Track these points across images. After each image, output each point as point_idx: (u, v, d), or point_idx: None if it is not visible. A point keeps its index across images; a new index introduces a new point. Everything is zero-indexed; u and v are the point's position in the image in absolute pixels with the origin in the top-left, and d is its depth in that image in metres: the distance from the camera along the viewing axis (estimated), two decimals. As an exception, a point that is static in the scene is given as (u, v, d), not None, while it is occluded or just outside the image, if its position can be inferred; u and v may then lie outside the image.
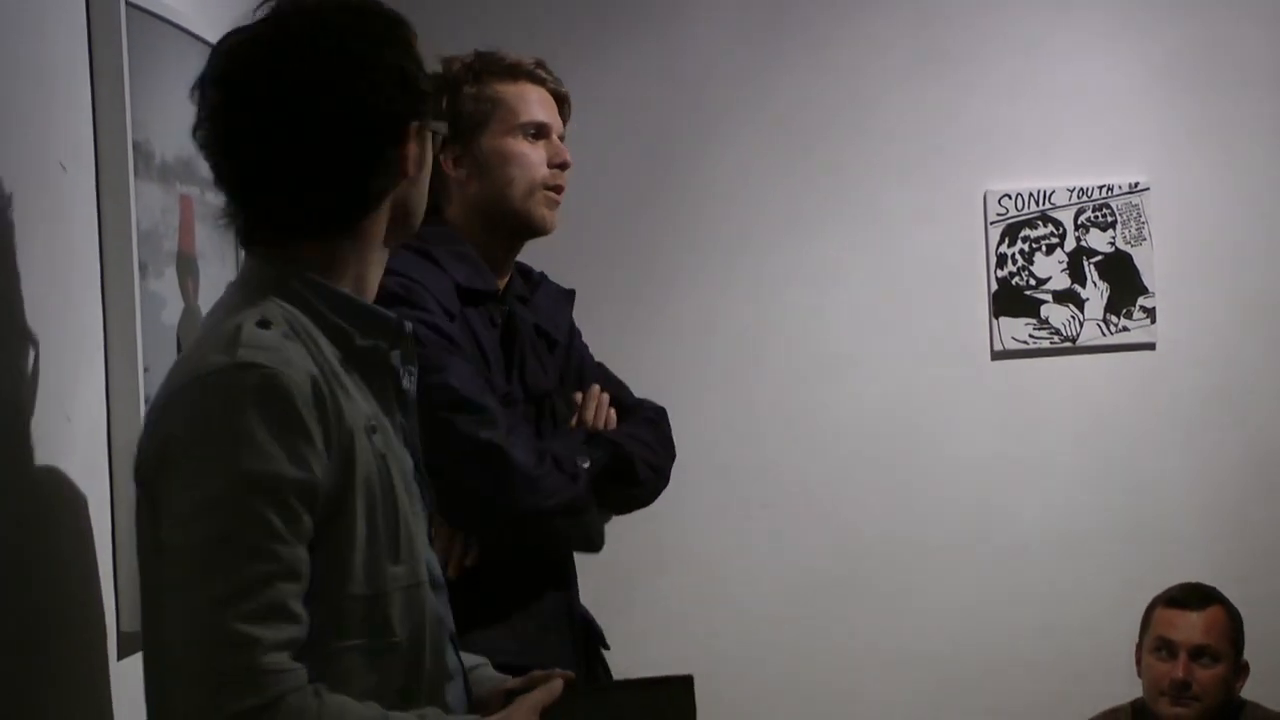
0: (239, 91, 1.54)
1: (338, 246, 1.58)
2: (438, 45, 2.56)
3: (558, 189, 2.37)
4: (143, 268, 1.89)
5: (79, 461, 1.76)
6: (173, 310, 2.01)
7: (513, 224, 2.36)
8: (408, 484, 1.61)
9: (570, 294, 2.50)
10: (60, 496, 1.73)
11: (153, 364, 1.87)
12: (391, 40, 1.58)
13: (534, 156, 2.34)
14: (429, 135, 1.63)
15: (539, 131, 2.35)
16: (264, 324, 1.51)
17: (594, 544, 2.33)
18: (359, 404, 1.56)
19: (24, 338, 1.65)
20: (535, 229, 2.37)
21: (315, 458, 1.47)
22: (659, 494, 2.43)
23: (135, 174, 1.88)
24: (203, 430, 1.47)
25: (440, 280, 2.25)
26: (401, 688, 1.56)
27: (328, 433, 1.49)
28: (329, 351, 1.55)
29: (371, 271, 1.62)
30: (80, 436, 1.77)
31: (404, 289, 2.19)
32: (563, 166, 2.37)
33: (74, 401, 1.76)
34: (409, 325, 1.67)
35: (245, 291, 1.57)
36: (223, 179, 1.57)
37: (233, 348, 1.48)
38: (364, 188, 1.56)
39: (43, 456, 1.68)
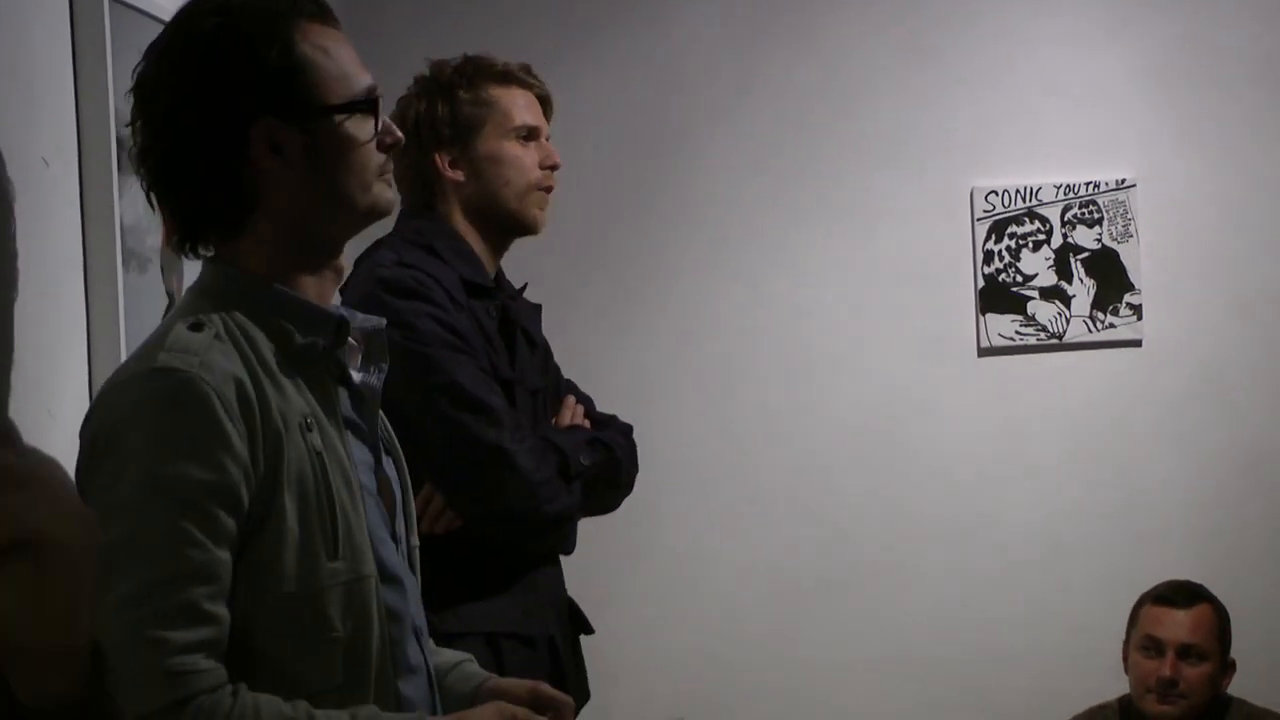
0: (134, 100, 1.59)
1: (257, 247, 1.60)
2: (427, 45, 2.58)
3: (549, 189, 2.48)
4: (127, 263, 1.88)
5: (61, 457, 1.75)
6: (157, 305, 2.01)
7: (507, 224, 2.46)
8: (348, 478, 1.60)
9: (538, 309, 2.59)
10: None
11: (136, 359, 1.85)
12: (224, 40, 1.56)
13: (527, 159, 2.45)
14: (319, 122, 1.58)
15: (530, 134, 2.46)
16: (196, 326, 1.54)
17: (569, 548, 2.45)
18: (294, 401, 1.56)
19: (6, 332, 1.65)
20: (529, 228, 2.48)
21: (233, 460, 1.49)
22: (620, 504, 2.54)
23: (119, 168, 1.88)
24: (116, 434, 1.49)
25: (447, 272, 2.35)
26: (342, 684, 1.56)
27: (252, 434, 1.51)
28: (267, 351, 1.56)
29: (303, 266, 1.61)
30: (63, 432, 1.76)
31: (417, 282, 2.30)
32: (554, 168, 2.48)
33: (57, 397, 1.75)
34: (373, 321, 1.68)
35: (195, 296, 1.61)
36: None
37: (154, 352, 1.51)
38: (226, 187, 1.57)
39: (25, 451, 1.67)
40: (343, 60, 1.61)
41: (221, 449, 1.48)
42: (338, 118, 1.59)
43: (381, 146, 1.63)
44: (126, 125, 1.62)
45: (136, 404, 1.49)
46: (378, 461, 1.69)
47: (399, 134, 1.65)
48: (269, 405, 1.53)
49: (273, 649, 1.53)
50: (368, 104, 1.61)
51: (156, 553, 1.46)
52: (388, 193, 1.65)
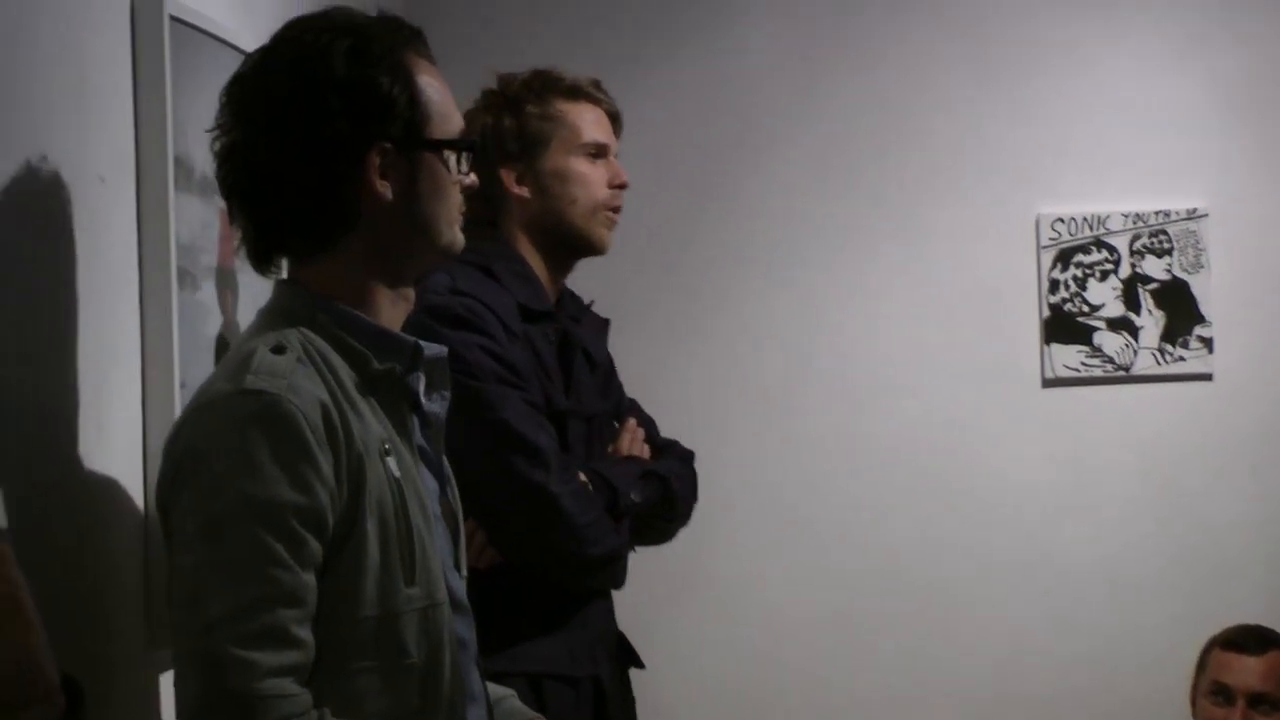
0: (223, 119, 1.61)
1: (337, 269, 1.61)
2: (490, 62, 2.57)
3: (616, 209, 2.42)
4: (181, 281, 1.88)
5: (113, 476, 1.75)
6: (211, 324, 2.00)
7: (573, 243, 2.40)
8: (424, 505, 1.61)
9: (606, 323, 2.54)
10: (94, 511, 1.72)
11: (190, 379, 1.85)
12: (358, 61, 1.59)
13: (595, 176, 2.39)
14: (424, 155, 1.62)
15: (599, 151, 2.40)
16: (278, 349, 1.54)
17: (619, 583, 2.39)
18: (373, 427, 1.57)
19: (61, 350, 1.66)
20: (595, 248, 2.42)
21: (321, 483, 1.49)
22: (676, 534, 2.50)
23: (175, 187, 1.88)
24: (206, 456, 1.49)
25: (503, 299, 2.29)
26: (418, 709, 1.57)
27: (336, 458, 1.51)
28: (345, 376, 1.57)
29: (381, 293, 1.63)
30: (113, 447, 1.76)
31: (469, 311, 2.24)
32: (622, 187, 2.42)
33: (109, 415, 1.75)
34: (436, 349, 1.68)
35: (268, 317, 1.62)
36: (225, 201, 1.64)
37: (241, 374, 1.51)
38: (329, 203, 1.59)
39: (76, 470, 1.67)
40: (446, 98, 1.66)
41: (310, 472, 1.48)
42: (445, 153, 1.63)
43: (461, 188, 1.66)
44: (208, 130, 1.63)
45: (225, 426, 1.49)
46: (442, 489, 1.70)
47: (474, 179, 1.68)
48: (351, 430, 1.54)
49: (351, 674, 1.52)
50: (467, 144, 1.67)
51: (246, 575, 1.46)
52: (460, 235, 1.68)
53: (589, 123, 2.39)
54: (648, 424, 2.51)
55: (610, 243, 2.42)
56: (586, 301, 2.52)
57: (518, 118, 2.37)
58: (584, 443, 2.37)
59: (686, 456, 2.50)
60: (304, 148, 1.57)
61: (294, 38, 1.61)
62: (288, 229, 1.61)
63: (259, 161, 1.58)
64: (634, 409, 2.53)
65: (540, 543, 2.23)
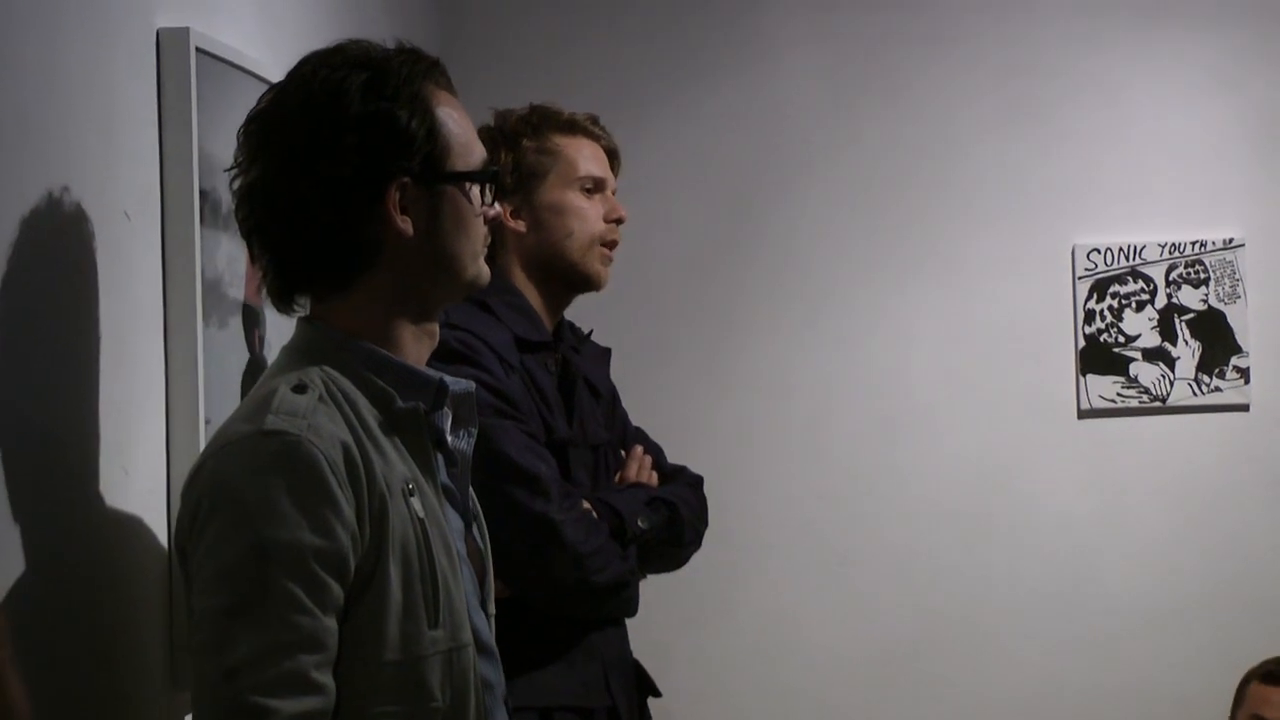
0: (240, 157, 1.59)
1: (360, 307, 1.58)
2: (521, 93, 2.56)
3: (612, 244, 2.41)
4: (206, 317, 1.86)
5: (136, 515, 1.72)
6: (237, 361, 1.98)
7: (568, 277, 2.39)
8: (448, 545, 1.58)
9: (607, 352, 2.52)
10: (117, 552, 1.69)
11: (215, 416, 1.83)
12: (374, 95, 1.56)
13: (591, 211, 2.38)
14: (445, 188, 1.59)
15: (596, 186, 2.39)
16: (300, 388, 1.51)
17: (631, 611, 2.36)
18: (396, 467, 1.54)
19: (84, 387, 1.63)
20: (590, 283, 2.40)
21: (342, 525, 1.46)
22: (689, 560, 2.47)
23: (201, 221, 1.86)
24: (225, 498, 1.46)
25: (499, 332, 2.28)
26: None
27: (358, 499, 1.48)
28: (369, 414, 1.54)
29: (405, 330, 1.60)
30: (138, 490, 1.74)
31: (464, 345, 2.22)
32: (618, 221, 2.41)
33: (133, 454, 1.73)
34: (464, 385, 1.66)
35: (291, 355, 1.59)
36: (245, 240, 1.62)
37: (261, 414, 1.48)
38: (350, 240, 1.56)
39: (100, 508, 1.65)
40: (467, 129, 1.63)
41: (331, 514, 1.46)
42: (467, 185, 1.60)
43: (484, 220, 1.64)
44: (227, 170, 1.61)
45: (245, 467, 1.46)
46: (468, 528, 1.67)
47: (499, 209, 1.66)
48: (374, 469, 1.51)
49: (374, 716, 1.49)
50: (488, 175, 1.64)
51: (265, 619, 1.43)
52: (485, 268, 1.65)
53: (585, 157, 2.39)
54: (655, 451, 2.50)
55: (606, 278, 2.41)
56: (585, 331, 2.51)
57: (514, 152, 2.36)
58: (589, 472, 2.36)
59: (695, 482, 2.47)
60: (322, 186, 1.54)
61: (309, 73, 1.57)
62: (309, 268, 1.58)
63: (277, 200, 1.56)
64: (640, 436, 2.51)
65: (544, 572, 2.21)
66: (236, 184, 1.59)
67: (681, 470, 2.48)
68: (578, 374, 2.38)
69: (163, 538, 1.79)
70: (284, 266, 1.58)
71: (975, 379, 3.61)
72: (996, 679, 3.59)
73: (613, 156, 2.43)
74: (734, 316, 3.65)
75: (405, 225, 1.57)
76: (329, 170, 1.54)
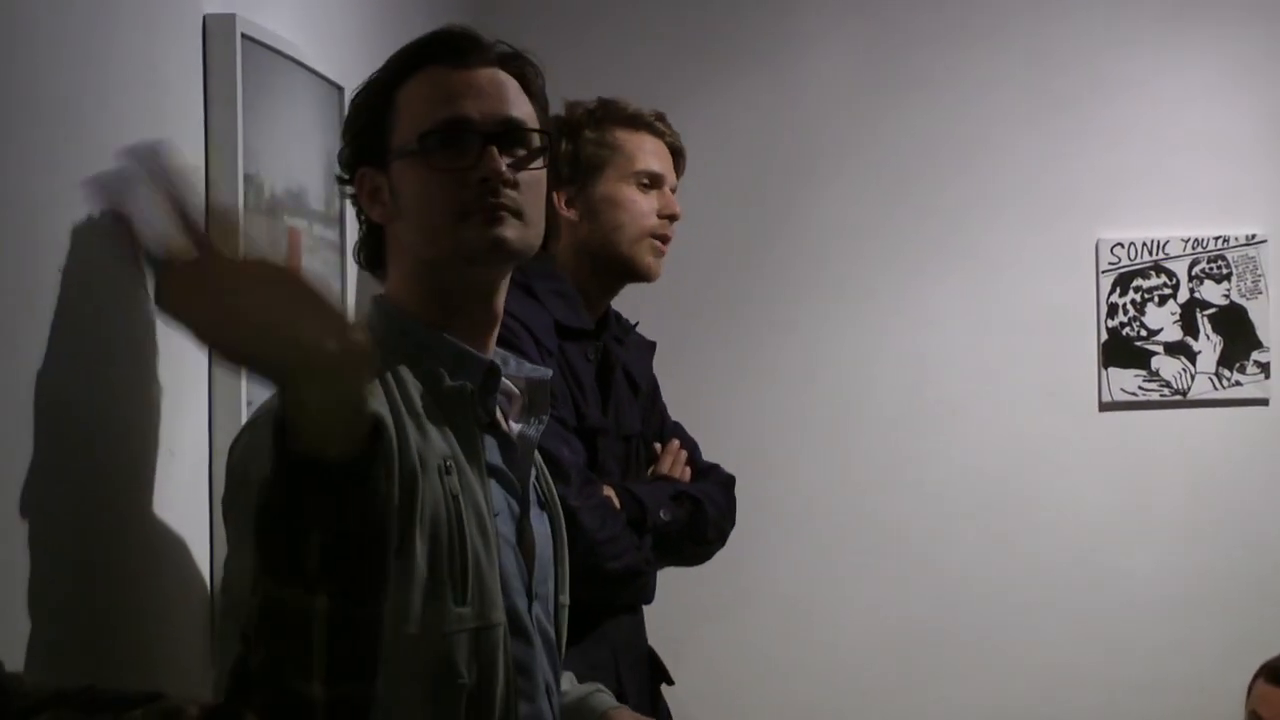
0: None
1: (400, 289, 1.65)
2: (553, 85, 2.57)
3: (664, 239, 2.44)
4: (249, 301, 1.87)
5: (181, 496, 1.75)
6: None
7: (618, 268, 2.43)
8: (484, 526, 1.58)
9: (652, 345, 2.54)
10: (163, 531, 1.72)
11: (257, 398, 1.85)
12: (360, 93, 1.67)
13: (645, 205, 2.41)
14: (392, 165, 1.62)
15: (652, 181, 2.42)
16: None
17: (646, 598, 2.39)
18: (435, 443, 1.56)
19: (129, 370, 1.65)
20: (640, 275, 2.44)
21: None
22: (712, 557, 2.48)
23: (245, 206, 1.88)
24: (250, 470, 1.48)
25: (540, 316, 2.30)
26: None
27: (387, 473, 1.47)
28: (414, 391, 1.57)
29: (451, 310, 1.62)
30: (183, 470, 1.76)
31: (503, 328, 2.21)
32: (672, 218, 2.44)
33: (178, 436, 1.75)
34: (540, 372, 1.69)
35: None
36: None
37: None
38: (364, 232, 1.68)
39: (146, 491, 1.67)
40: (434, 99, 1.59)
41: None
42: (406, 158, 1.60)
43: (482, 177, 1.57)
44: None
45: (269, 440, 1.46)
46: (524, 513, 1.67)
47: (495, 166, 1.57)
48: (407, 443, 1.52)
49: (396, 690, 1.48)
50: (437, 135, 1.58)
51: None
52: (488, 233, 1.57)
53: (646, 152, 2.42)
54: (691, 447, 2.51)
55: (658, 270, 2.44)
56: (633, 323, 2.53)
57: (575, 143, 2.40)
58: (620, 462, 2.38)
59: (727, 481, 2.49)
60: (340, 184, 1.73)
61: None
62: (363, 251, 1.71)
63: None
64: (677, 431, 2.53)
65: None
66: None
67: (714, 468, 2.50)
68: (617, 363, 2.40)
69: (204, 517, 1.82)
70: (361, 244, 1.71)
71: (998, 370, 3.62)
72: (1016, 669, 3.61)
73: (677, 155, 2.46)
74: (757, 307, 3.66)
75: (377, 210, 1.64)
76: (339, 169, 1.70)
